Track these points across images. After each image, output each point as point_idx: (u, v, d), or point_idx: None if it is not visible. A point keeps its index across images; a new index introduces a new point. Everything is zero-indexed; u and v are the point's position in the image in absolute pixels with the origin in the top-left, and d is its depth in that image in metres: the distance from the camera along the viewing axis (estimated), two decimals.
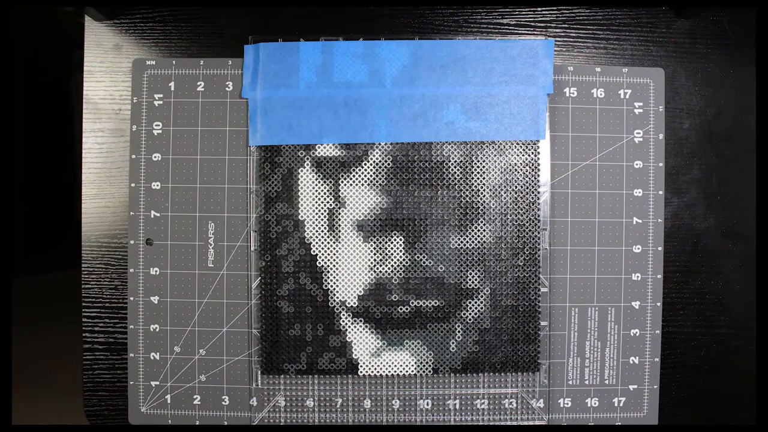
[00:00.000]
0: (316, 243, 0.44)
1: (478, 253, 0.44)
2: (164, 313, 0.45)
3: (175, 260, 0.45)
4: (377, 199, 0.44)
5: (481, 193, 0.44)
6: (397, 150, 0.44)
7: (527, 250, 0.44)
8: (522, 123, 0.44)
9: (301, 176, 0.44)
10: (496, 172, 0.44)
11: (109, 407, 0.46)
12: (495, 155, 0.44)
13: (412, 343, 0.44)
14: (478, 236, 0.44)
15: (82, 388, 0.46)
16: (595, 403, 0.45)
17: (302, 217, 0.44)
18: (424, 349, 0.44)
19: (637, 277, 0.45)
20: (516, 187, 0.44)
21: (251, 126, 0.44)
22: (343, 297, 0.44)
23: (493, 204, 0.44)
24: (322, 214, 0.44)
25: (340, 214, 0.44)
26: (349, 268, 0.44)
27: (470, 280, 0.44)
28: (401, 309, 0.44)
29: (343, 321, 0.44)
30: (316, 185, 0.44)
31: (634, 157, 0.45)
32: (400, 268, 0.44)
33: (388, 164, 0.44)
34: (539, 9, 0.46)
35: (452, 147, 0.44)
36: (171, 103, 0.45)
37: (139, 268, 0.45)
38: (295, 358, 0.44)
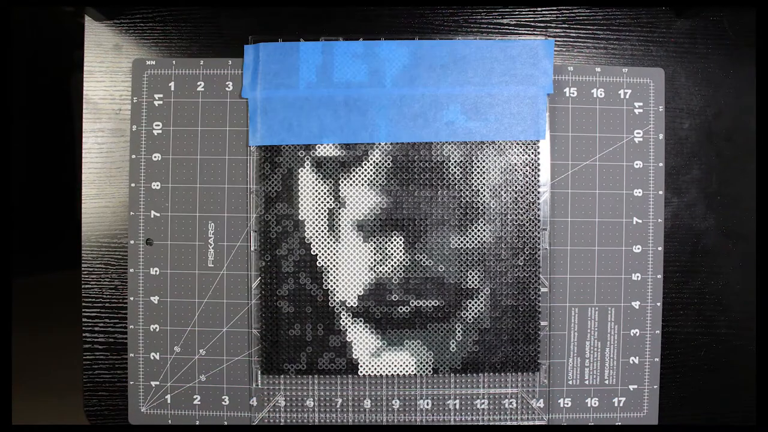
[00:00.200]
0: (316, 243, 0.44)
1: (478, 253, 0.44)
2: (164, 313, 0.45)
3: (175, 260, 0.45)
4: (377, 199, 0.44)
5: (481, 193, 0.44)
6: (397, 150, 0.44)
7: (527, 250, 0.44)
8: (522, 123, 0.44)
9: (301, 176, 0.44)
10: (496, 172, 0.44)
11: (109, 407, 0.46)
12: (495, 155, 0.44)
13: (412, 343, 0.44)
14: (478, 236, 0.44)
15: (82, 388, 0.46)
16: (595, 403, 0.45)
17: (302, 217, 0.44)
18: (424, 349, 0.44)
19: (637, 277, 0.45)
20: (516, 187, 0.44)
21: (251, 126, 0.44)
22: (343, 297, 0.44)
23: (493, 204, 0.44)
24: (322, 214, 0.44)
25: (340, 214, 0.44)
26: (349, 268, 0.44)
27: (470, 280, 0.44)
28: (401, 309, 0.44)
29: (343, 321, 0.44)
30: (316, 185, 0.44)
31: (634, 157, 0.45)
32: (400, 268, 0.44)
33: (388, 164, 0.44)
34: (539, 9, 0.46)
35: (452, 147, 0.44)
36: (171, 103, 0.45)
37: (139, 268, 0.45)
38: (295, 358, 0.44)
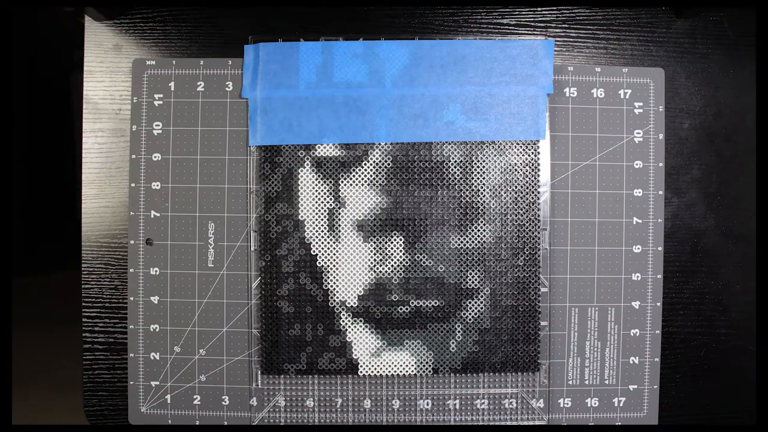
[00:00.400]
0: (316, 243, 0.44)
1: (478, 253, 0.44)
2: (164, 313, 0.45)
3: (175, 260, 0.45)
4: (377, 199, 0.44)
5: (481, 193, 0.44)
6: (397, 150, 0.44)
7: (527, 250, 0.44)
8: (522, 123, 0.44)
9: (301, 176, 0.44)
10: (496, 172, 0.44)
11: (109, 407, 0.46)
12: (495, 155, 0.44)
13: (412, 343, 0.44)
14: (478, 236, 0.44)
15: (82, 388, 0.46)
16: (595, 403, 0.45)
17: (302, 217, 0.44)
18: (424, 349, 0.44)
19: (637, 277, 0.45)
20: (516, 187, 0.44)
21: (251, 126, 0.44)
22: (343, 297, 0.44)
23: (493, 204, 0.44)
24: (322, 214, 0.44)
25: (340, 214, 0.44)
26: (349, 268, 0.44)
27: (470, 280, 0.44)
28: (401, 309, 0.44)
29: (343, 321, 0.44)
30: (316, 185, 0.44)
31: (634, 157, 0.45)
32: (400, 268, 0.44)
33: (388, 164, 0.44)
34: (539, 9, 0.46)
35: (452, 147, 0.44)
36: (171, 103, 0.45)
37: (139, 268, 0.45)
38: (295, 358, 0.44)
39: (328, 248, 0.44)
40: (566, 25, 0.46)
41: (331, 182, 0.44)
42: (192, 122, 0.45)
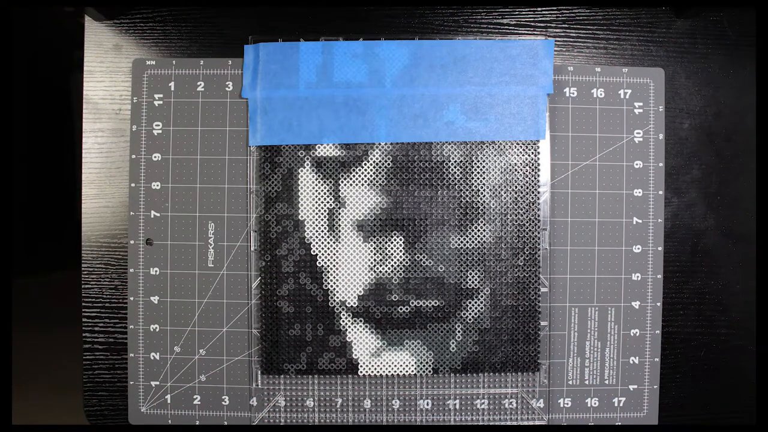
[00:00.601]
0: (316, 243, 0.44)
1: (478, 253, 0.44)
2: (164, 313, 0.45)
3: (175, 260, 0.45)
4: (377, 199, 0.44)
5: (481, 193, 0.44)
6: (397, 150, 0.44)
7: (527, 250, 0.44)
8: (522, 123, 0.44)
9: (301, 176, 0.44)
10: (496, 172, 0.44)
11: (109, 407, 0.46)
12: (495, 155, 0.44)
13: (412, 343, 0.44)
14: (478, 236, 0.44)
15: (82, 388, 0.46)
16: (595, 403, 0.45)
17: (302, 217, 0.44)
18: (424, 349, 0.44)
19: (637, 277, 0.45)
20: (516, 187, 0.44)
21: (251, 126, 0.44)
22: (343, 297, 0.44)
23: (493, 204, 0.44)
24: (322, 214, 0.44)
25: (340, 214, 0.44)
26: (349, 268, 0.44)
27: (470, 280, 0.44)
28: (401, 309, 0.44)
29: (343, 321, 0.44)
30: (316, 185, 0.44)
31: (634, 157, 0.45)
32: (400, 268, 0.44)
33: (388, 164, 0.44)
34: (539, 9, 0.46)
35: (452, 147, 0.44)
36: (171, 103, 0.45)
37: (139, 268, 0.45)
38: (295, 358, 0.44)
39: (328, 248, 0.44)
40: (566, 25, 0.46)
41: (331, 182, 0.44)
42: (192, 122, 0.45)
